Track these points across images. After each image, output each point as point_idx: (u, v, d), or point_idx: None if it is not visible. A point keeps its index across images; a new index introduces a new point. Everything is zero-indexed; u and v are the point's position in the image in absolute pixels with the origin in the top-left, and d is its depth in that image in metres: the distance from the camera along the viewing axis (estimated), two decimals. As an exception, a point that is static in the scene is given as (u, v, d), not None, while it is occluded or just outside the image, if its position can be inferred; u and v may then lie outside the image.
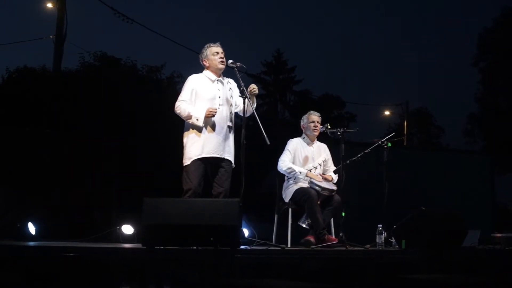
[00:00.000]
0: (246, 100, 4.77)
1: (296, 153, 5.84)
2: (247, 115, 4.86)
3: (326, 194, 5.58)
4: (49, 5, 13.38)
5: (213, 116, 4.81)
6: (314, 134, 5.93)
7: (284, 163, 5.76)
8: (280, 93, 30.33)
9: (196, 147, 4.85)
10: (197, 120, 4.80)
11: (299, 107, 25.06)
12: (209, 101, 4.87)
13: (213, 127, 4.87)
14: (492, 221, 8.67)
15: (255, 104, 4.95)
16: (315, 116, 5.94)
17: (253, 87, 4.89)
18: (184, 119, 4.93)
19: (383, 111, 25.94)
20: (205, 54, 5.04)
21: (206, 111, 4.78)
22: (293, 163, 5.78)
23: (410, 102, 24.07)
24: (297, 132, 6.10)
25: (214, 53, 5.00)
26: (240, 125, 4.85)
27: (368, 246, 5.40)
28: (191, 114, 4.83)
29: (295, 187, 5.70)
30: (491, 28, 24.28)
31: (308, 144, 5.94)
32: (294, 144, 5.89)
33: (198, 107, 4.87)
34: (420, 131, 33.52)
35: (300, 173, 5.69)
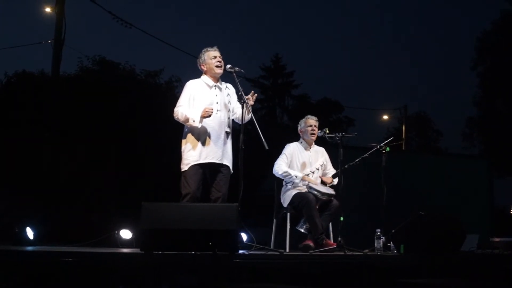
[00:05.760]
0: (244, 105, 4.76)
1: (293, 158, 5.83)
2: (245, 121, 4.86)
3: (325, 198, 5.57)
4: (48, 9, 13.39)
5: (209, 116, 4.75)
6: (312, 139, 5.92)
7: (280, 166, 5.74)
8: (279, 97, 30.33)
9: (194, 153, 4.84)
10: (194, 121, 4.76)
11: (298, 112, 25.01)
12: (207, 106, 4.84)
13: (211, 133, 4.85)
14: (491, 225, 8.66)
15: (250, 112, 4.89)
16: (312, 120, 5.94)
17: (252, 97, 4.82)
18: (183, 123, 4.92)
19: (382, 115, 25.95)
20: (203, 58, 5.02)
21: (203, 111, 4.74)
22: (291, 168, 5.77)
23: (408, 106, 24.07)
24: (296, 136, 6.09)
25: (212, 57, 4.98)
26: (238, 130, 4.84)
27: (366, 250, 5.39)
28: (188, 116, 4.80)
29: (294, 191, 5.69)
30: (490, 31, 24.33)
31: (305, 148, 5.93)
32: (292, 149, 5.87)
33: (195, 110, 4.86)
34: (419, 135, 33.52)
35: (296, 177, 5.68)
